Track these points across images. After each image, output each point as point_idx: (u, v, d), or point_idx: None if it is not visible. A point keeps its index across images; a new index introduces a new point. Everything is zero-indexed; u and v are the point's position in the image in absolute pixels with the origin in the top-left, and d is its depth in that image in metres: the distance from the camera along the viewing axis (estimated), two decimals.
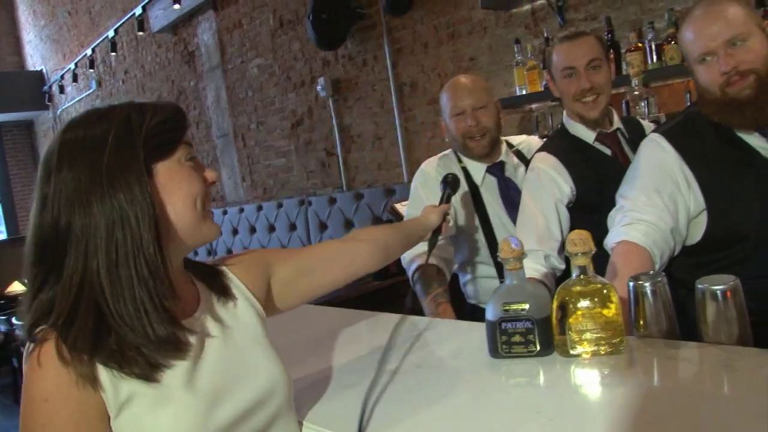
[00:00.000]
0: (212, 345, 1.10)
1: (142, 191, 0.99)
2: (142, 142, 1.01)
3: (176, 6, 6.10)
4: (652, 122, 2.50)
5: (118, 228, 0.97)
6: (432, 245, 1.84)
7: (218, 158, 6.63)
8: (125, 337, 0.96)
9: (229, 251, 6.31)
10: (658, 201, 1.72)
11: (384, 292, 3.21)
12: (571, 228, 1.97)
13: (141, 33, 6.79)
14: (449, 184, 2.00)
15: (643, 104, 2.92)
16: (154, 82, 7.47)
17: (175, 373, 1.00)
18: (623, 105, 3.04)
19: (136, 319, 0.97)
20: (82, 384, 0.93)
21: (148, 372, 0.97)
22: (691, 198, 1.72)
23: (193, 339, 1.05)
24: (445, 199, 1.96)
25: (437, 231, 1.82)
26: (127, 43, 7.79)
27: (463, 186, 2.29)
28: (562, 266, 1.98)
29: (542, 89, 3.45)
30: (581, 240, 1.31)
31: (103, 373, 0.95)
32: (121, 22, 7.27)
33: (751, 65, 1.64)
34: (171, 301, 1.02)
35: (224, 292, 1.19)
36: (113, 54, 7.66)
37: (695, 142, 1.75)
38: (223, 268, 1.24)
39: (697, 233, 1.76)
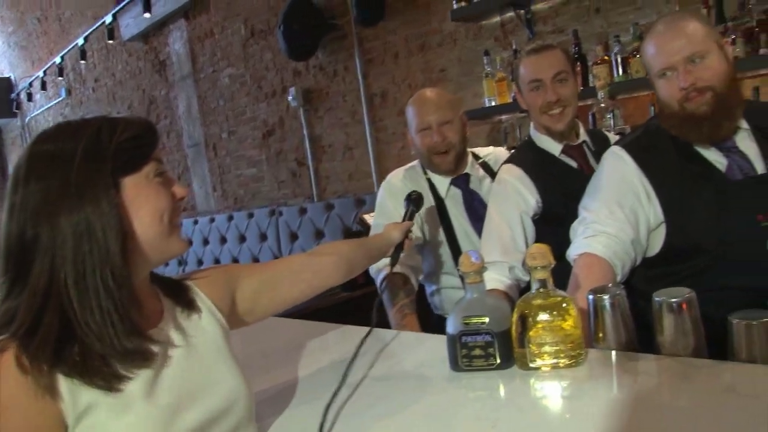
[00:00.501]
0: (175, 356, 1.10)
1: (109, 205, 1.00)
2: (110, 157, 1.02)
3: (147, 15, 6.06)
4: (617, 134, 2.53)
5: (85, 240, 0.98)
6: (394, 261, 1.86)
7: (189, 168, 6.59)
8: (92, 347, 0.96)
9: (200, 262, 6.26)
10: (620, 213, 1.74)
11: (353, 302, 3.20)
12: (537, 240, 2.00)
13: (111, 41, 6.72)
14: (413, 201, 2.02)
15: (609, 116, 2.96)
16: (124, 91, 7.40)
17: (137, 383, 1.00)
18: (590, 117, 3.07)
19: (103, 328, 0.97)
20: (41, 394, 0.92)
21: (111, 382, 0.97)
22: (651, 210, 1.75)
23: (156, 349, 1.05)
24: (408, 216, 1.98)
25: (399, 247, 1.84)
26: (98, 51, 7.71)
27: (429, 200, 2.30)
28: (527, 278, 1.99)
29: (511, 101, 3.47)
30: (540, 253, 1.32)
31: (63, 384, 0.94)
32: (91, 29, 7.18)
33: (709, 82, 1.69)
34: (137, 312, 1.03)
35: (189, 305, 1.20)
36: (83, 62, 7.58)
37: (655, 155, 1.78)
38: (189, 282, 1.25)
39: (656, 245, 1.79)
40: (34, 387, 0.92)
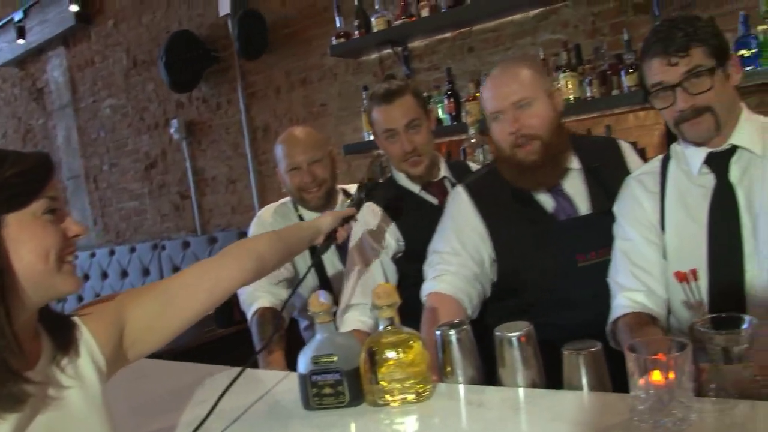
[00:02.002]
0: (47, 403, 1.05)
1: None
2: None
3: (21, 41, 5.83)
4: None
5: None
6: (320, 252, 1.77)
7: (68, 200, 6.33)
8: None
9: (81, 298, 5.99)
10: (462, 251, 1.83)
11: (228, 339, 3.13)
12: (402, 278, 2.04)
13: None
14: (364, 187, 1.91)
15: (479, 151, 3.07)
16: None
17: (4, 427, 0.96)
18: (461, 151, 3.19)
19: None
20: None
21: None
22: (487, 247, 1.85)
23: (30, 392, 1.00)
24: (354, 203, 1.88)
25: (331, 236, 1.72)
26: None
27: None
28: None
29: None
30: (385, 293, 1.36)
31: None
32: None
33: (535, 130, 1.78)
34: (14, 357, 0.98)
35: (69, 348, 1.13)
36: None
37: (490, 196, 1.88)
38: (75, 318, 1.17)
39: (494, 280, 1.89)
40: None
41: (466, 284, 1.80)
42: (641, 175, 1.75)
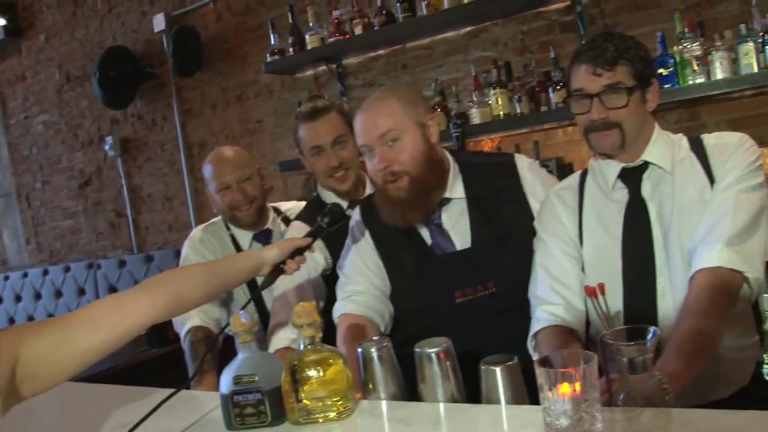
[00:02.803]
0: None
1: None
2: None
3: None
4: None
5: None
6: (263, 286, 1.65)
7: None
8: None
9: (12, 320, 5.83)
10: (366, 270, 1.86)
11: (166, 359, 3.07)
12: (328, 294, 2.05)
13: None
14: (326, 213, 1.74)
15: None
16: None
17: None
18: None
19: None
20: None
21: None
22: (383, 272, 1.88)
23: None
24: (313, 232, 1.72)
25: (277, 269, 1.61)
26: None
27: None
28: (319, 334, 2.03)
29: None
30: (305, 312, 1.36)
31: None
32: None
33: (404, 167, 1.75)
34: None
35: None
36: None
37: (378, 222, 1.87)
38: None
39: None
40: None
41: (376, 301, 1.82)
42: (561, 190, 1.80)
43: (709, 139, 1.65)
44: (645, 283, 1.60)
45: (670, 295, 1.58)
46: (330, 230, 1.72)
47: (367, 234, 1.89)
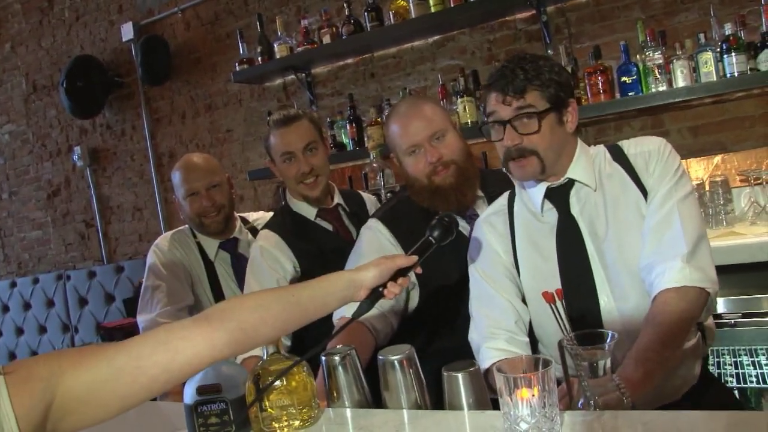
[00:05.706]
0: None
1: None
2: None
3: None
4: (373, 194, 2.66)
5: None
6: (360, 312, 1.38)
7: None
8: None
9: None
10: None
11: None
12: None
13: None
14: (436, 226, 1.49)
15: (380, 175, 3.13)
16: None
17: None
18: (363, 176, 3.23)
19: None
20: None
21: None
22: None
23: None
24: (418, 249, 1.46)
25: (376, 293, 1.37)
26: None
27: (199, 264, 2.29)
28: (288, 342, 2.03)
29: None
30: None
31: None
32: None
33: (451, 156, 1.88)
34: None
35: None
36: None
37: (406, 225, 1.93)
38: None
39: (412, 305, 1.92)
40: None
41: (379, 314, 1.82)
42: (490, 216, 1.78)
43: (629, 148, 1.66)
44: (587, 302, 1.60)
45: (617, 312, 1.58)
46: (441, 246, 1.48)
47: (389, 241, 1.92)
